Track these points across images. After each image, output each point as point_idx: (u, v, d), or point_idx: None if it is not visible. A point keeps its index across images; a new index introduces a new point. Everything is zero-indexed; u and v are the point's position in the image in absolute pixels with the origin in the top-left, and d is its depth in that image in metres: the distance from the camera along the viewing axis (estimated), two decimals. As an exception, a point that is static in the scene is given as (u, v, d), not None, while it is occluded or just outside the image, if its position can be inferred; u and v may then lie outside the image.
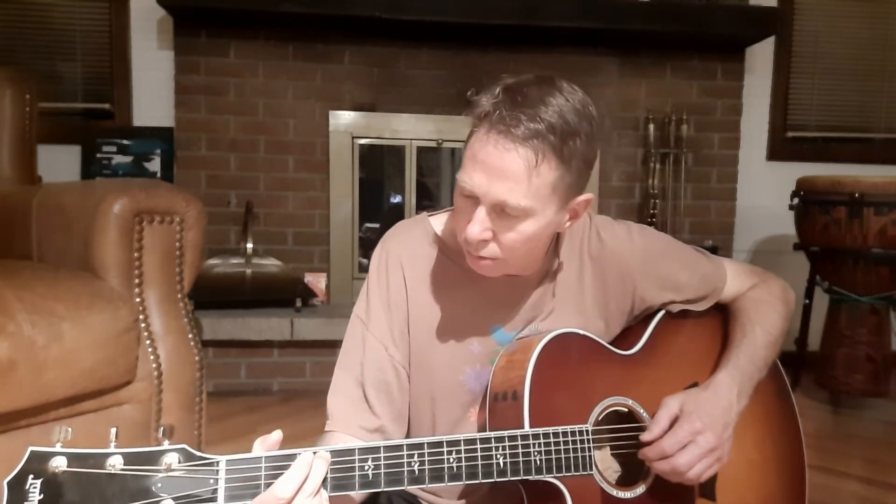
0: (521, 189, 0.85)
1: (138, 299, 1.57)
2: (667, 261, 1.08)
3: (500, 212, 0.87)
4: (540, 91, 0.86)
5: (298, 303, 2.70)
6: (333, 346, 2.95)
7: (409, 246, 1.04)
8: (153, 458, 0.71)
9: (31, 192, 1.79)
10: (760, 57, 3.15)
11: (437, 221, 1.06)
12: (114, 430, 0.73)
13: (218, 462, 0.73)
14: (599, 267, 1.05)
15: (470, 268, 0.99)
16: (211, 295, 2.59)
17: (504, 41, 2.86)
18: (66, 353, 1.35)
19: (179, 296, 1.66)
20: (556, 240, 1.03)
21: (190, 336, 1.66)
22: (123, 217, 1.54)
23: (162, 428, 0.74)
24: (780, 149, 3.24)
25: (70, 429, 0.71)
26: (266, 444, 0.76)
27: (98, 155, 2.88)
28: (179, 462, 0.71)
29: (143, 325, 1.57)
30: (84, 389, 1.41)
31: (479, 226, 0.88)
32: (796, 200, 2.64)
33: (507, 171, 0.84)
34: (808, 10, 3.22)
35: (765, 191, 3.13)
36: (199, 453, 0.73)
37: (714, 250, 2.90)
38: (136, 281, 1.58)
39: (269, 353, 2.66)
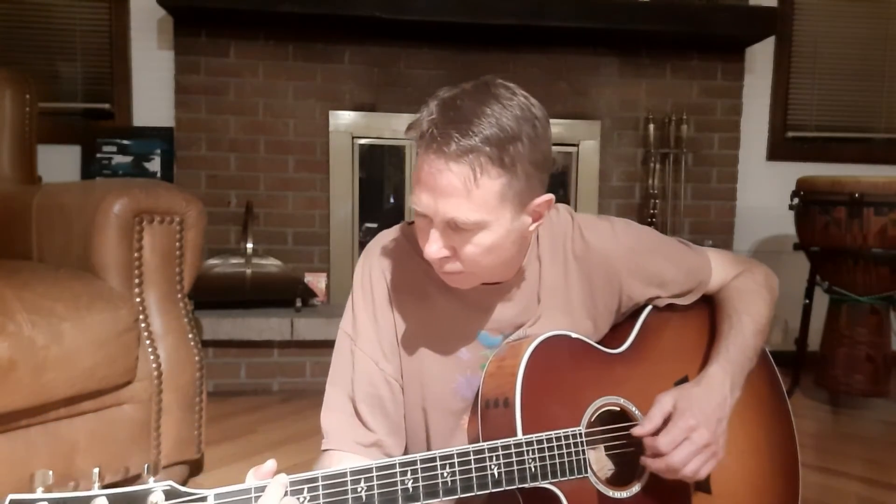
0: (465, 204, 0.85)
1: (138, 299, 1.58)
2: (652, 257, 1.07)
3: (455, 227, 0.87)
4: (474, 102, 0.85)
5: (298, 303, 2.70)
6: (333, 346, 2.95)
7: (391, 256, 1.04)
8: (138, 499, 0.68)
9: (31, 192, 1.79)
10: (760, 57, 3.15)
11: None
12: (96, 471, 0.70)
13: (206, 497, 0.70)
14: (585, 267, 1.05)
15: None
16: (211, 295, 2.58)
17: (504, 41, 2.86)
18: (66, 353, 1.35)
19: (179, 296, 1.66)
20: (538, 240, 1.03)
21: (190, 336, 1.66)
22: (123, 217, 1.54)
23: (146, 465, 0.72)
24: (780, 149, 3.23)
25: (51, 472, 0.68)
26: (259, 475, 0.75)
27: (98, 155, 2.88)
28: (166, 500, 0.69)
29: (143, 325, 1.57)
30: (84, 389, 1.41)
31: (435, 244, 0.88)
32: (796, 200, 2.63)
33: (447, 190, 0.84)
34: (808, 10, 3.22)
35: (765, 191, 3.12)
36: (185, 489, 0.70)
37: (714, 250, 2.91)
38: (136, 281, 1.58)
39: (269, 353, 2.66)
